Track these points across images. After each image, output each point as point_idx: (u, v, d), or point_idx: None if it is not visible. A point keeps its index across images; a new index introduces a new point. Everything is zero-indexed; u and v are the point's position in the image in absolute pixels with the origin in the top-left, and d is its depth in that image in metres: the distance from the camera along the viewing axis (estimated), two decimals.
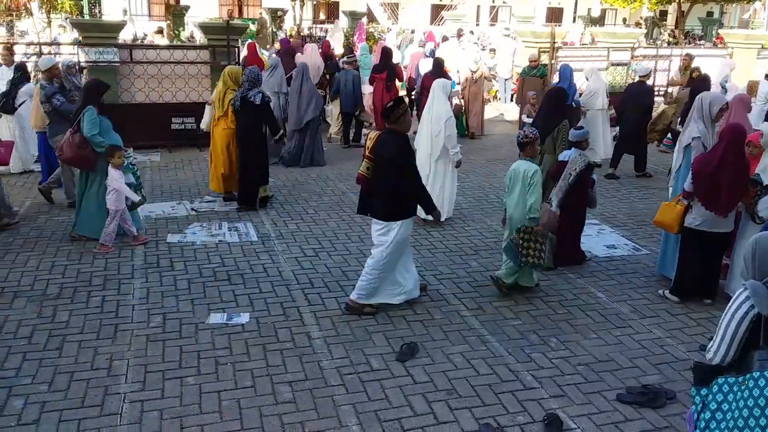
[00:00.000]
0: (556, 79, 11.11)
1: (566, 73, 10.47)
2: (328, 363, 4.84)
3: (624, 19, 35.44)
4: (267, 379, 4.61)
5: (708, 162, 5.59)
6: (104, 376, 4.58)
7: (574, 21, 34.70)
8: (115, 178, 6.70)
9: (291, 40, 14.36)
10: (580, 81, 11.46)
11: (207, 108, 9.19)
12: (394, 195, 5.44)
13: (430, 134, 7.62)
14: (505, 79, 17.12)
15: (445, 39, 18.61)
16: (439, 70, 11.19)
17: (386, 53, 11.78)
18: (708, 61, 13.59)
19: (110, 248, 6.79)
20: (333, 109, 12.64)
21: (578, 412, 4.36)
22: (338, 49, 16.68)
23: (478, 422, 4.21)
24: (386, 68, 11.56)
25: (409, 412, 4.30)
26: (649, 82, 11.35)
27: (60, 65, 8.31)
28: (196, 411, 4.25)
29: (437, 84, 7.79)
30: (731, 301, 3.04)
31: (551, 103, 7.60)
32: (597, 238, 7.63)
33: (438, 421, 4.22)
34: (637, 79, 10.71)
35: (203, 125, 9.38)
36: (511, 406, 4.41)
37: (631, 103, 10.12)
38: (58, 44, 13.78)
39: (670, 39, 27.30)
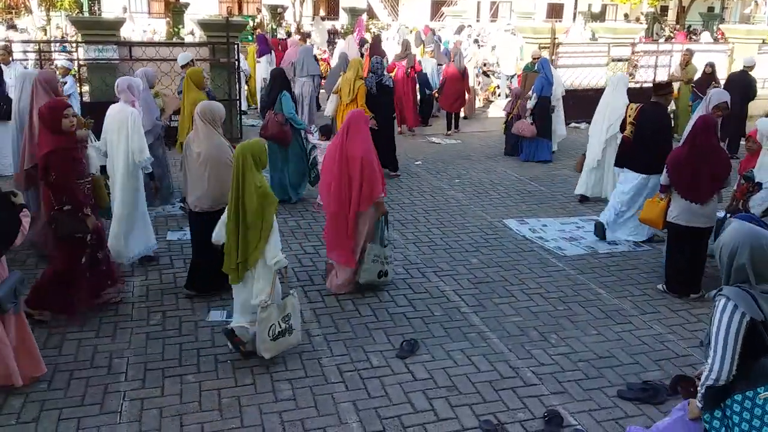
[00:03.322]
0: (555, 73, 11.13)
1: (545, 65, 10.64)
2: (327, 360, 4.83)
3: (625, 15, 35.32)
4: (267, 377, 4.60)
5: (680, 150, 5.75)
6: (104, 374, 4.57)
7: (574, 18, 34.58)
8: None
9: (266, 36, 15.33)
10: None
11: (332, 96, 9.79)
12: (654, 153, 6.65)
13: (605, 123, 8.38)
14: (509, 76, 17.03)
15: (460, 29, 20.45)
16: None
17: (406, 44, 13.32)
18: (708, 57, 13.58)
19: None
20: None
21: (579, 409, 4.35)
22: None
23: (478, 419, 4.21)
24: (406, 57, 12.98)
25: (409, 409, 4.29)
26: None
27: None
28: (196, 409, 4.24)
29: (619, 78, 8.65)
30: (716, 314, 2.91)
31: None
32: None
33: (438, 418, 4.22)
34: (741, 68, 11.74)
35: (329, 112, 9.96)
36: (512, 402, 4.40)
37: (733, 89, 10.77)
38: (58, 42, 13.77)
39: (671, 34, 27.22)
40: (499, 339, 5.21)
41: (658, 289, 6.15)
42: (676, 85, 12.19)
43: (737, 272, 2.93)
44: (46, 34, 17.82)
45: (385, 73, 9.87)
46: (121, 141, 5.99)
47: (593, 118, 8.75)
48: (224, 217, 4.76)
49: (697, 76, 12.16)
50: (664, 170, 5.84)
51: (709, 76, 11.70)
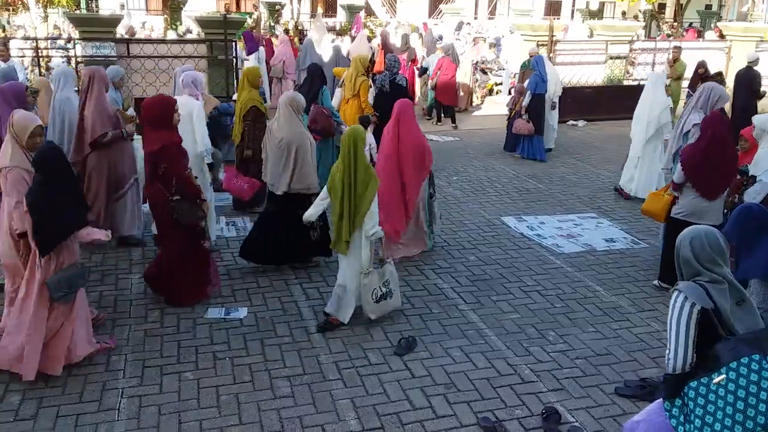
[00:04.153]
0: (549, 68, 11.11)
1: (539, 63, 10.66)
2: (326, 357, 4.84)
3: (623, 13, 35.34)
4: (265, 374, 4.61)
5: (696, 148, 5.67)
6: (102, 371, 4.57)
7: (572, 15, 34.59)
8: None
9: (253, 32, 15.74)
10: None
11: (337, 90, 9.86)
12: None
13: (646, 120, 8.43)
14: (514, 73, 17.02)
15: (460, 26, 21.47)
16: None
17: (406, 38, 14.32)
18: (705, 55, 13.60)
19: None
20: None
21: (576, 406, 4.36)
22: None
23: (476, 416, 4.22)
24: (407, 50, 13.77)
25: (407, 407, 4.30)
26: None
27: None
28: (195, 406, 4.25)
29: (658, 75, 8.81)
30: (670, 307, 3.09)
31: None
32: (595, 232, 7.63)
33: (436, 415, 4.23)
34: (746, 64, 11.84)
35: (334, 105, 9.91)
36: (510, 399, 4.41)
37: (740, 85, 11.48)
38: (55, 39, 13.74)
39: (671, 32, 27.21)
40: (497, 336, 5.22)
41: (655, 286, 6.17)
42: (666, 82, 12.27)
43: (686, 266, 3.19)
44: (5, 32, 17.74)
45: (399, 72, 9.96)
46: (187, 132, 6.08)
47: (635, 116, 8.72)
48: (319, 199, 5.36)
49: (688, 74, 12.16)
50: (679, 168, 5.73)
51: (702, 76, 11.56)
